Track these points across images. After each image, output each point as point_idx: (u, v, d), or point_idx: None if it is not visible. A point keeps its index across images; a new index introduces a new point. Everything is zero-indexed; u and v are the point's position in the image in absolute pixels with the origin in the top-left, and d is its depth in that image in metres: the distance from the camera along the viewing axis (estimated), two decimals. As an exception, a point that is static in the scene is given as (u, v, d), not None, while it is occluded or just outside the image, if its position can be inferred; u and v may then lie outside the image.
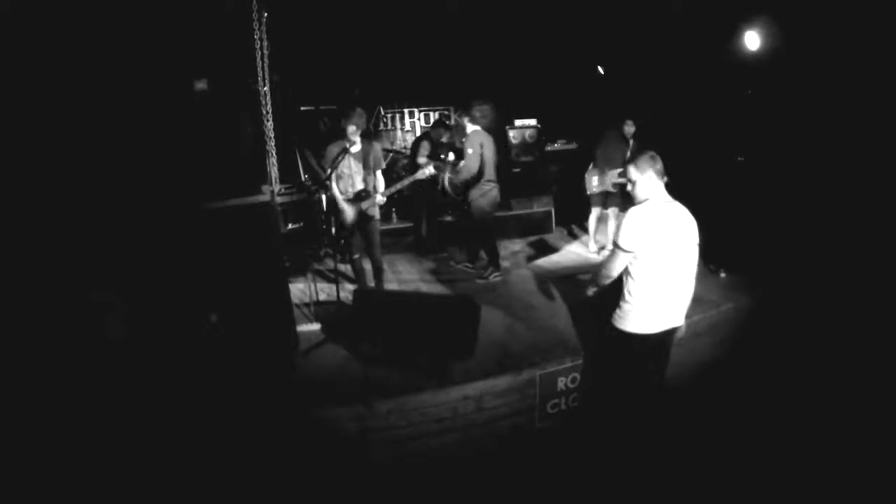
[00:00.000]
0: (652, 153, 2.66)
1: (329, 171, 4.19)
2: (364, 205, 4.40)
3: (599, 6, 6.43)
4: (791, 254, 4.68)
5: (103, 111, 3.14)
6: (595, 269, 2.92)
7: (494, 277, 5.07)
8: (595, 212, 5.72)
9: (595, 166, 5.55)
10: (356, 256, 4.53)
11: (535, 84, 8.05)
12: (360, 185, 4.40)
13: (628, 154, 5.40)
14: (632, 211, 2.61)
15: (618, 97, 7.35)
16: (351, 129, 4.23)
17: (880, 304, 3.96)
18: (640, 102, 7.13)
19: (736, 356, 3.98)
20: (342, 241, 4.53)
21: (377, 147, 4.52)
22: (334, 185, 4.36)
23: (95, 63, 3.10)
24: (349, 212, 4.38)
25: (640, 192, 2.65)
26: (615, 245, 2.65)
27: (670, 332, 2.75)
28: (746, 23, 5.45)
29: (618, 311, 2.74)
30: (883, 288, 4.04)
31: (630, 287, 2.66)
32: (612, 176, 5.41)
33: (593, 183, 5.57)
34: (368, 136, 4.45)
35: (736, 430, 3.22)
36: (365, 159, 4.37)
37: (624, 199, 5.53)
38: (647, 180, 2.62)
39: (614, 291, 2.80)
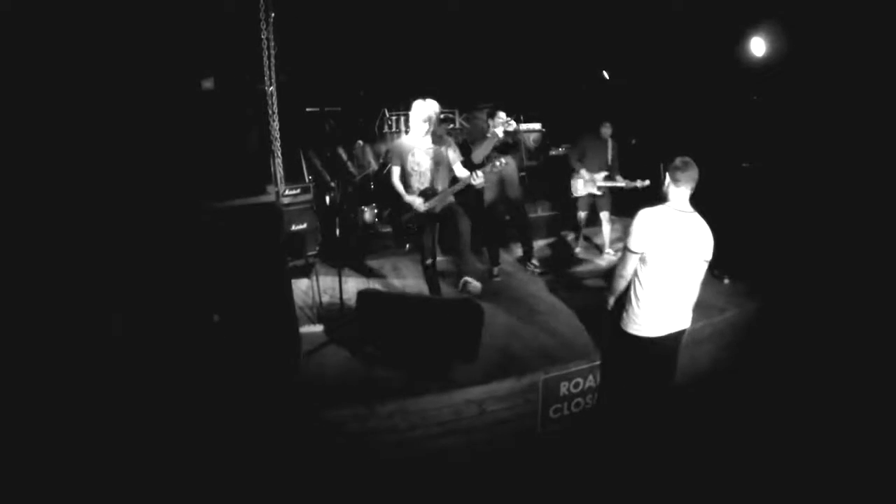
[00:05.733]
0: (683, 160, 2.72)
1: (380, 168, 3.99)
2: (439, 200, 4.02)
3: (606, 11, 6.44)
4: (796, 260, 4.66)
5: (109, 110, 3.14)
6: (608, 277, 3.02)
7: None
8: (581, 215, 5.83)
9: (575, 171, 5.63)
10: (429, 262, 4.08)
11: (540, 88, 8.05)
12: (428, 183, 4.05)
13: (609, 155, 5.51)
14: (640, 213, 2.71)
15: (623, 102, 7.35)
16: (425, 126, 3.89)
17: (886, 309, 3.93)
18: (645, 107, 7.14)
19: (740, 362, 3.97)
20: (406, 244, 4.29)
21: (450, 140, 4.16)
22: (397, 182, 4.04)
23: (100, 60, 3.10)
24: (430, 205, 3.99)
25: (664, 194, 2.78)
26: (624, 248, 2.76)
27: (678, 336, 2.84)
28: (752, 28, 5.45)
29: (625, 315, 2.83)
30: (889, 294, 4.02)
31: (638, 292, 2.76)
32: (598, 179, 5.51)
33: (578, 186, 5.66)
34: (438, 131, 4.03)
35: (740, 436, 3.21)
36: (437, 156, 4.03)
37: (613, 202, 5.58)
38: (668, 185, 2.74)
39: (621, 296, 2.89)
